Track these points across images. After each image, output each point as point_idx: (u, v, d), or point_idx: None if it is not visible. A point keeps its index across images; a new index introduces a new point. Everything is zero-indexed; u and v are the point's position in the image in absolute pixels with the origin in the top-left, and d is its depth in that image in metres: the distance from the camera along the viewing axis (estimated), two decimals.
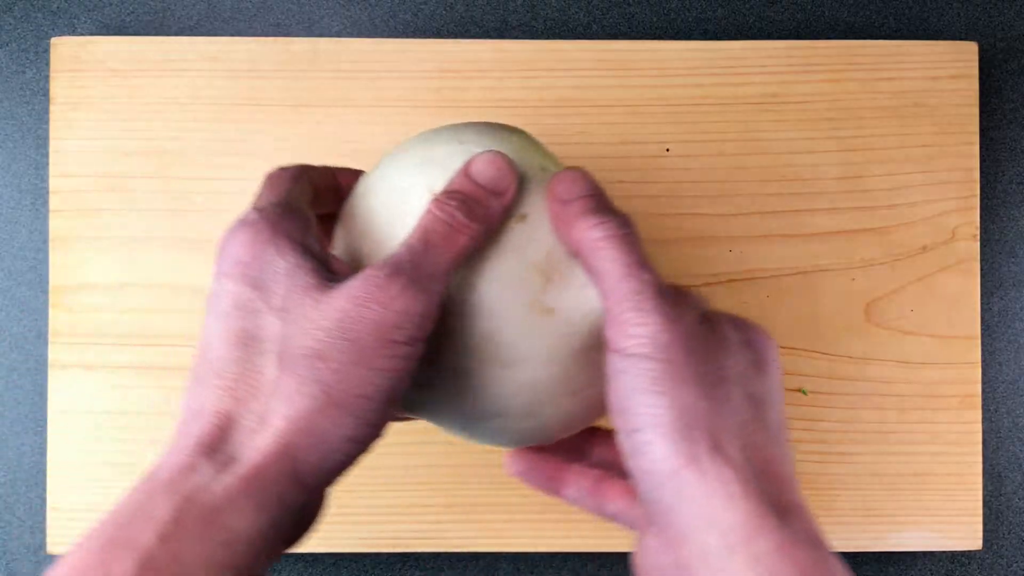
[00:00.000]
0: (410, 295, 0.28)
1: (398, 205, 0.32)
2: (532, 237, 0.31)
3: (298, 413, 0.28)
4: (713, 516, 0.27)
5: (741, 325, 0.32)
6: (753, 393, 0.30)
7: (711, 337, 0.30)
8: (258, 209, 0.31)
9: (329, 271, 0.30)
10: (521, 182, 0.32)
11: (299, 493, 0.28)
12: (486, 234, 0.31)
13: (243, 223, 0.31)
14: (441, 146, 0.33)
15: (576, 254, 0.31)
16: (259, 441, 0.28)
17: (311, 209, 0.33)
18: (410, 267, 0.29)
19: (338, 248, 0.34)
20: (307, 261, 0.29)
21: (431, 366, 0.32)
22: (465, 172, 0.31)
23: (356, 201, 0.34)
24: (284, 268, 0.29)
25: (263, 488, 0.27)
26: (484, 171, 0.31)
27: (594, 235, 0.30)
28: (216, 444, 0.28)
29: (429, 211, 0.30)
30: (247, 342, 0.29)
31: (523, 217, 0.32)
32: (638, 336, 0.29)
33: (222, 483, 0.27)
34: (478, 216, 0.30)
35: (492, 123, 0.35)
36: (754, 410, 0.30)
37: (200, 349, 0.30)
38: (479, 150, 0.32)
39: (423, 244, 0.30)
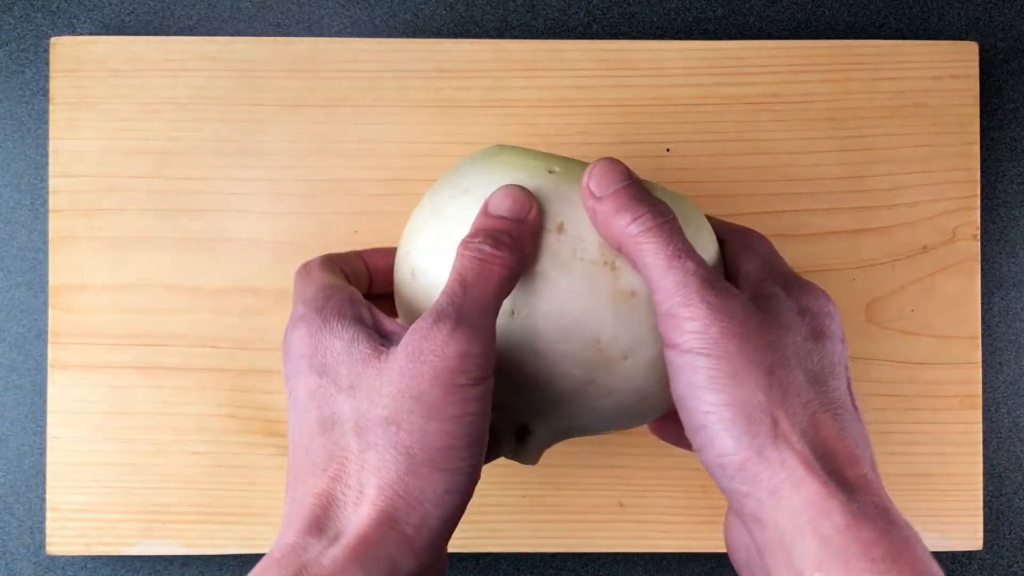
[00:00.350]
0: (461, 336, 0.29)
1: (434, 269, 0.33)
2: (579, 239, 0.32)
3: (388, 480, 0.28)
4: (782, 501, 0.28)
5: (797, 291, 0.32)
6: (812, 369, 0.30)
7: (764, 319, 0.30)
8: (304, 302, 0.32)
9: (384, 336, 0.31)
10: (542, 196, 0.32)
11: (409, 555, 0.28)
12: (522, 259, 0.31)
13: (295, 320, 0.32)
14: (448, 202, 0.34)
15: (619, 249, 0.31)
16: (361, 512, 0.28)
17: (351, 285, 0.33)
18: (453, 310, 0.29)
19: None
20: (360, 332, 0.30)
21: (539, 391, 0.32)
22: (483, 212, 0.32)
23: (398, 278, 0.35)
24: (341, 347, 0.30)
25: (371, 555, 0.27)
26: (500, 205, 0.31)
27: (632, 231, 0.30)
28: (321, 523, 0.28)
29: (458, 255, 0.31)
30: (328, 426, 0.30)
31: (561, 227, 0.32)
32: (689, 331, 0.29)
33: (331, 556, 0.27)
34: (507, 244, 0.30)
35: (478, 155, 0.35)
36: (815, 387, 0.30)
37: (291, 449, 0.31)
38: (483, 191, 0.33)
39: (460, 285, 0.30)
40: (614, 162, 0.32)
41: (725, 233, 0.36)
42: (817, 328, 0.31)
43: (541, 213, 0.32)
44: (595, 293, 0.31)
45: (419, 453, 0.28)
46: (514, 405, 0.33)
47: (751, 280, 0.33)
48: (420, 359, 0.29)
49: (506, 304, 0.31)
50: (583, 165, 0.33)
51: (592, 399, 0.33)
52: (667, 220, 0.31)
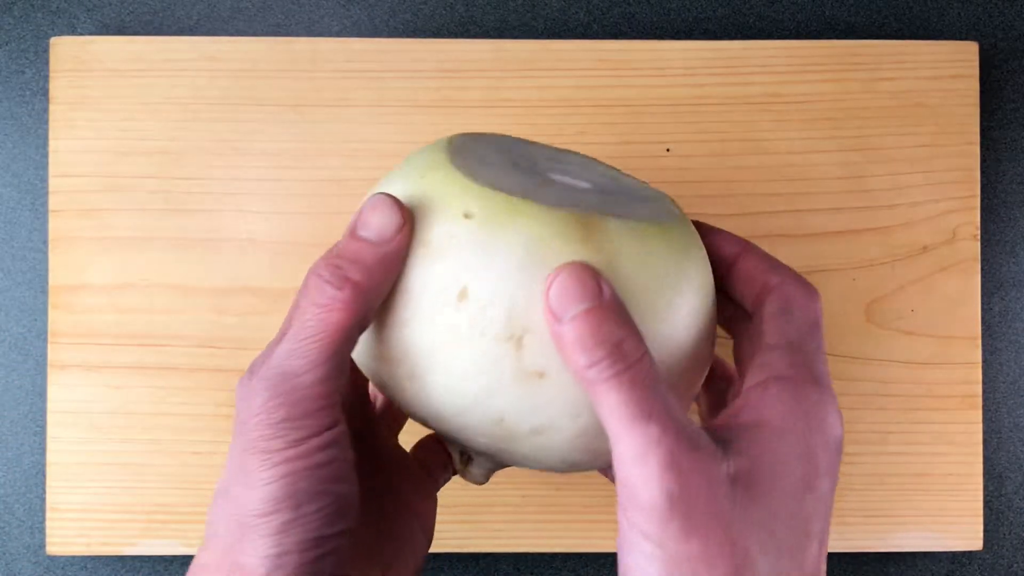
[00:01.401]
0: (272, 401, 0.27)
1: None
2: (483, 308, 0.27)
3: (224, 547, 0.27)
4: None
5: (797, 454, 0.27)
6: (783, 540, 0.26)
7: (738, 506, 0.26)
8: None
9: None
10: (451, 248, 0.27)
11: None
12: (379, 290, 0.27)
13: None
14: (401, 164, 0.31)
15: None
16: None
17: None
18: (262, 366, 0.27)
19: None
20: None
21: (455, 442, 0.31)
22: (349, 231, 0.28)
23: None
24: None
25: None
26: (367, 222, 0.28)
27: (588, 376, 0.26)
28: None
29: (300, 288, 0.28)
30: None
31: (463, 293, 0.27)
32: (644, 517, 0.25)
33: None
34: (354, 282, 0.27)
35: (417, 162, 0.31)
36: (789, 561, 0.26)
37: None
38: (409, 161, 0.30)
39: (283, 333, 0.27)
40: (577, 274, 0.26)
41: (768, 287, 0.31)
42: (809, 477, 0.27)
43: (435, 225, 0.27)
44: (495, 373, 0.27)
45: (245, 520, 0.27)
46: None
47: (767, 373, 0.28)
48: (239, 420, 0.27)
49: (402, 368, 0.28)
50: (511, 202, 0.27)
51: (511, 460, 0.30)
52: (629, 366, 0.26)
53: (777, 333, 0.29)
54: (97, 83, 0.45)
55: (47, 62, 0.47)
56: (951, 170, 0.45)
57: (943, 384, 0.45)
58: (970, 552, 0.48)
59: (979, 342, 0.45)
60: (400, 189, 0.29)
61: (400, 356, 0.28)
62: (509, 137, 0.34)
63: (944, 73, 0.45)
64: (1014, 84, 0.48)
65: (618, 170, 0.36)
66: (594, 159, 0.36)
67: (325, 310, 0.27)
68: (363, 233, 0.28)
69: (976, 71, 0.45)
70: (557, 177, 0.31)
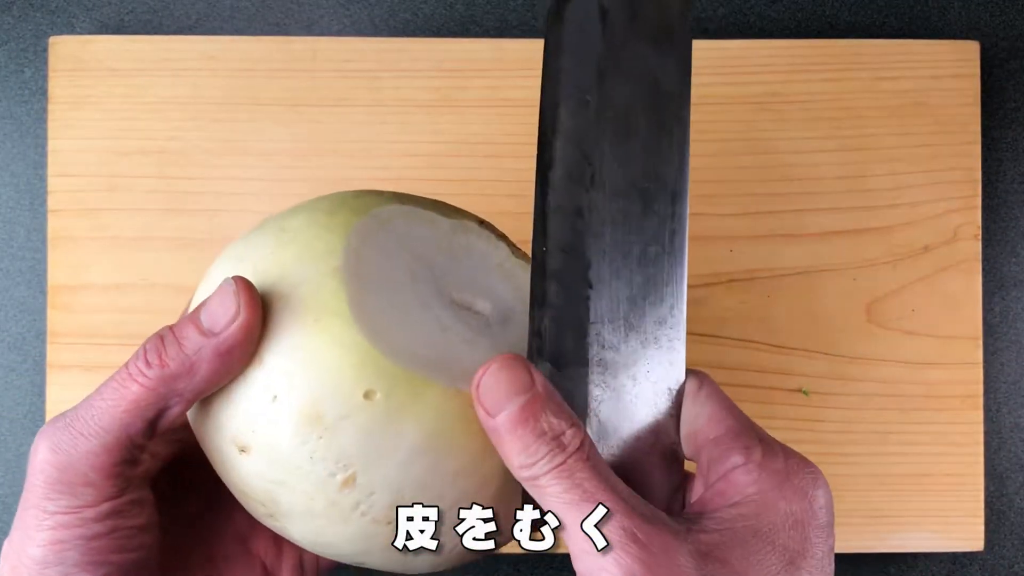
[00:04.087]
0: (51, 459, 0.26)
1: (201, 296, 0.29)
2: (369, 493, 0.26)
3: None
4: None
5: (775, 523, 0.25)
6: None
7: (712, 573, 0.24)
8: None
9: None
10: (349, 430, 0.25)
11: None
12: (189, 382, 0.26)
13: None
14: (264, 226, 0.29)
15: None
16: None
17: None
18: (62, 419, 0.26)
19: None
20: None
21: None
22: (197, 308, 0.27)
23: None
24: None
25: None
26: (209, 307, 0.26)
27: (525, 475, 0.25)
28: None
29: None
30: None
31: (351, 479, 0.26)
32: None
33: None
34: (162, 364, 0.26)
35: (343, 196, 0.30)
36: None
37: None
38: (281, 244, 0.27)
39: (88, 403, 0.26)
40: (506, 367, 0.25)
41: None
42: (798, 545, 0.25)
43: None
44: (371, 544, 0.27)
45: (21, 567, 0.26)
46: None
47: (697, 542, 0.25)
48: (29, 465, 0.26)
49: (263, 508, 0.27)
50: (413, 384, 0.26)
51: None
52: (569, 456, 0.25)
53: (719, 426, 0.28)
54: (96, 82, 0.45)
55: (46, 61, 0.47)
56: (952, 170, 0.45)
57: (944, 384, 0.45)
58: (971, 553, 0.48)
59: (980, 342, 0.45)
60: (272, 291, 0.27)
61: (263, 499, 0.27)
62: (408, 212, 0.31)
63: (945, 73, 0.45)
64: (1015, 84, 0.48)
65: (513, 249, 0.33)
66: (494, 237, 0.33)
67: (128, 380, 0.26)
68: (201, 315, 0.26)
69: (977, 70, 0.45)
70: (457, 299, 0.30)
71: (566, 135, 0.29)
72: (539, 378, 0.26)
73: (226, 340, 0.25)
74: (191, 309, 0.29)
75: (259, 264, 0.27)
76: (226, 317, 0.25)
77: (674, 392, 0.28)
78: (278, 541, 0.32)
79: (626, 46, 0.28)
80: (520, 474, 0.25)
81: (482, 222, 0.33)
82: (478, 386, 0.25)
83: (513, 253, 0.33)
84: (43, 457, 0.26)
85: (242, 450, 0.26)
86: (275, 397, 0.26)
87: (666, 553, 0.24)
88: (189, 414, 0.28)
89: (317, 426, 0.25)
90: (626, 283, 0.28)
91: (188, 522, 0.31)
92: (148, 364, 0.26)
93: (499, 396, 0.25)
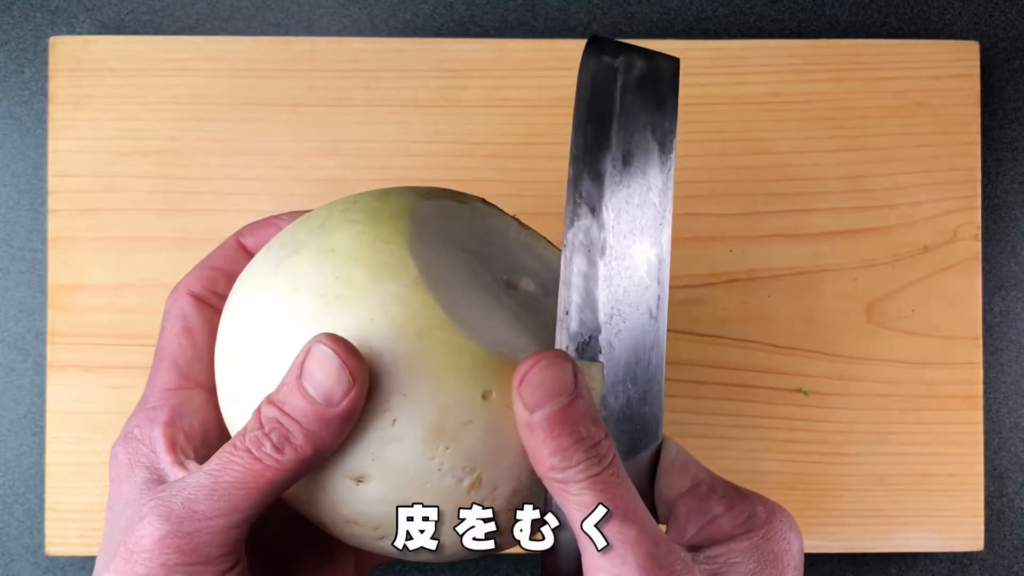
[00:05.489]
0: (175, 544, 0.25)
1: (248, 328, 0.27)
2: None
3: None
4: None
5: (762, 560, 0.26)
6: None
7: None
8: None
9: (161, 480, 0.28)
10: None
11: None
12: (315, 458, 0.25)
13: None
14: (304, 251, 0.27)
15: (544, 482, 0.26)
16: None
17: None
18: (168, 495, 0.25)
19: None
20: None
21: None
22: (292, 379, 0.25)
23: (224, 313, 0.30)
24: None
25: None
26: (314, 377, 0.25)
27: (557, 477, 0.25)
28: None
29: (233, 442, 0.26)
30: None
31: (477, 481, 0.26)
32: None
33: None
34: (296, 445, 0.25)
35: (381, 209, 0.28)
36: None
37: None
38: (343, 265, 0.26)
39: (212, 480, 0.25)
40: (555, 366, 0.25)
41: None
42: (779, 569, 0.26)
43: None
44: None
45: None
46: None
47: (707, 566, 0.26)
48: (124, 540, 0.25)
49: (375, 531, 0.27)
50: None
51: None
52: (604, 469, 0.25)
53: (687, 480, 0.28)
54: (96, 83, 0.45)
55: (46, 61, 0.47)
56: (952, 170, 0.45)
57: (944, 384, 0.45)
58: (971, 553, 0.48)
59: (980, 342, 0.45)
60: (359, 319, 0.26)
61: (378, 523, 0.27)
62: (436, 207, 0.31)
63: (945, 73, 0.45)
64: (1015, 84, 0.48)
65: (519, 223, 0.34)
66: (501, 213, 0.33)
67: (254, 462, 0.25)
68: (308, 386, 0.25)
69: (977, 70, 0.45)
70: (506, 280, 0.30)
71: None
72: (583, 381, 0.25)
73: (346, 409, 0.25)
74: (229, 322, 0.28)
75: (324, 291, 0.26)
76: (341, 389, 0.25)
77: (652, 454, 0.29)
78: (324, 564, 0.32)
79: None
80: (550, 475, 0.25)
81: (484, 201, 0.33)
82: (522, 379, 0.25)
83: (521, 226, 0.33)
84: (158, 536, 0.25)
85: (359, 480, 0.26)
86: (394, 421, 0.25)
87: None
88: None
89: (443, 438, 0.25)
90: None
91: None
92: (279, 450, 0.25)
93: (541, 393, 0.25)
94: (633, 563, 0.24)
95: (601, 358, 0.27)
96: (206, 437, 0.30)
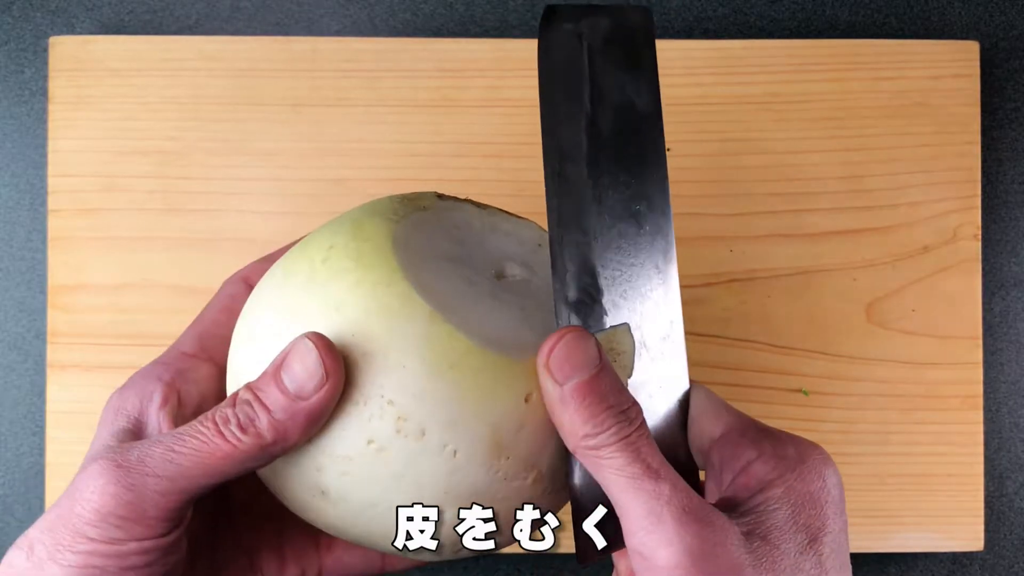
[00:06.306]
0: (113, 491, 0.25)
1: (251, 334, 0.28)
2: (455, 469, 0.26)
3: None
4: None
5: (798, 503, 0.26)
6: None
7: (757, 558, 0.25)
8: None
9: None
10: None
11: None
12: (278, 447, 0.26)
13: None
14: (303, 318, 0.27)
15: (573, 453, 0.27)
16: None
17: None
18: (125, 454, 0.26)
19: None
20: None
21: None
22: (277, 365, 0.26)
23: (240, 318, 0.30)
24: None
25: None
26: (292, 368, 0.26)
27: (588, 444, 0.25)
28: None
29: (205, 414, 0.26)
30: None
31: (422, 434, 0.26)
32: (662, 573, 0.24)
33: None
34: (258, 432, 0.26)
35: (383, 216, 0.30)
36: None
37: None
38: (356, 323, 0.26)
39: (171, 441, 0.26)
40: (579, 340, 0.26)
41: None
42: (814, 540, 0.26)
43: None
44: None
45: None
46: None
47: (746, 520, 0.26)
48: (79, 490, 0.26)
49: (355, 531, 0.28)
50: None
51: None
52: (635, 430, 0.26)
53: (720, 426, 0.29)
54: (96, 83, 0.45)
55: (46, 62, 0.47)
56: (952, 170, 0.45)
57: (944, 384, 0.45)
58: (971, 552, 0.48)
59: (980, 342, 0.45)
60: (392, 369, 0.26)
61: (353, 520, 0.27)
62: (443, 216, 0.32)
63: (945, 72, 0.45)
64: (1015, 84, 0.48)
65: (501, 211, 0.34)
66: (477, 208, 0.33)
67: (217, 437, 0.26)
68: (284, 377, 0.26)
69: (977, 70, 0.45)
70: (499, 274, 0.31)
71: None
72: (604, 354, 0.26)
73: (315, 405, 0.26)
74: (239, 351, 0.29)
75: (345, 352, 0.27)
76: (313, 384, 0.26)
77: (681, 403, 0.29)
78: (281, 555, 0.33)
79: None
80: (583, 443, 0.26)
81: (438, 194, 0.33)
82: (548, 354, 0.26)
83: (478, 208, 0.33)
84: (102, 488, 0.25)
85: (434, 519, 0.27)
86: (455, 452, 0.26)
87: (721, 531, 0.25)
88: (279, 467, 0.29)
89: (502, 452, 0.26)
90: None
91: (194, 540, 0.31)
92: (243, 430, 0.26)
93: (570, 366, 0.26)
94: (669, 518, 0.24)
95: (608, 320, 0.28)
96: (200, 408, 0.30)
